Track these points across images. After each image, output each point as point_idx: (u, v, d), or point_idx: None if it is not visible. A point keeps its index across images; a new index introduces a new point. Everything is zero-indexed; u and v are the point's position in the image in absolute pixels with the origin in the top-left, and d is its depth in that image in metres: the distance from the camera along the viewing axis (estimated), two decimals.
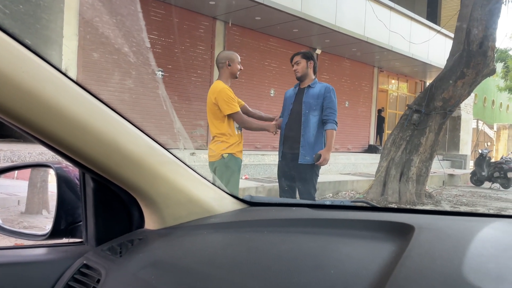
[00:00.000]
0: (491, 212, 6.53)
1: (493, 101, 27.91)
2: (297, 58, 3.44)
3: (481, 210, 6.76)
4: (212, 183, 0.92)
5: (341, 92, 11.58)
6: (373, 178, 7.24)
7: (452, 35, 8.79)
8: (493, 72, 6.75)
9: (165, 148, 0.82)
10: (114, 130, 0.72)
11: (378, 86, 13.62)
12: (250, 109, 3.45)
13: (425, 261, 0.49)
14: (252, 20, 8.96)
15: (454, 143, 14.63)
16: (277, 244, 0.68)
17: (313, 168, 3.34)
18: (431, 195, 7.39)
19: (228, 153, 3.14)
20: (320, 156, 3.25)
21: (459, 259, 0.48)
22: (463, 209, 6.79)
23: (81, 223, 0.91)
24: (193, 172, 0.88)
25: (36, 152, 5.24)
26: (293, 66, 3.46)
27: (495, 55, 6.57)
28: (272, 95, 10.15)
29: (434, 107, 6.82)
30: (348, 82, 12.39)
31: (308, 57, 3.44)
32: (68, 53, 6.63)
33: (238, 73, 3.31)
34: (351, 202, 1.03)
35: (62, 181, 0.92)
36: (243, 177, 6.72)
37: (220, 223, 0.83)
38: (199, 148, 8.09)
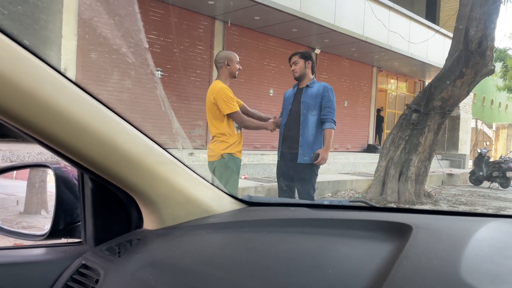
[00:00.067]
0: (490, 211, 6.54)
1: (492, 101, 27.95)
2: (295, 58, 3.45)
3: (480, 209, 6.77)
4: (211, 183, 0.92)
5: (340, 92, 11.58)
6: (372, 178, 7.25)
7: (451, 34, 8.80)
8: (492, 71, 6.76)
9: (163, 148, 0.82)
10: (113, 130, 0.72)
11: (377, 86, 13.63)
12: (249, 109, 3.45)
13: (422, 260, 0.50)
14: (251, 20, 8.96)
15: (453, 142, 14.64)
16: (275, 244, 0.68)
17: (312, 168, 3.34)
18: (430, 195, 7.40)
19: (228, 153, 3.14)
20: (318, 155, 3.25)
21: (456, 258, 0.48)
22: (462, 208, 6.80)
23: (79, 223, 0.91)
24: (192, 172, 0.88)
25: (35, 152, 5.24)
26: (291, 66, 3.47)
27: (494, 54, 6.58)
28: (271, 95, 10.15)
29: (433, 106, 6.83)
30: (347, 82, 12.40)
31: (306, 57, 3.44)
32: (67, 53, 6.63)
33: (237, 72, 3.31)
34: (350, 202, 1.03)
35: (61, 181, 0.92)
36: (242, 177, 6.72)
37: (218, 223, 0.83)
38: (199, 148, 8.09)
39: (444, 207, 6.84)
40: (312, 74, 3.48)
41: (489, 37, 6.06)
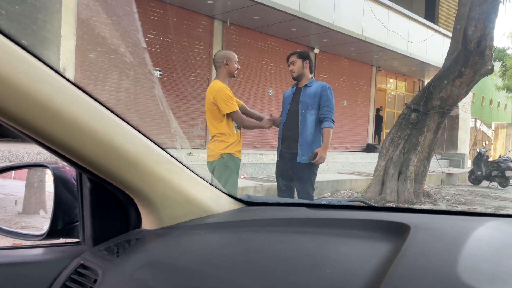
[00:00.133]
0: (489, 211, 6.55)
1: (491, 100, 27.98)
2: (292, 58, 3.45)
3: (479, 208, 6.78)
4: (210, 183, 0.92)
5: (339, 92, 11.59)
6: (372, 177, 7.25)
7: (450, 34, 8.81)
8: (491, 71, 6.77)
9: (162, 148, 0.82)
10: (111, 130, 0.72)
11: (376, 85, 13.64)
12: (248, 109, 3.45)
13: (420, 260, 0.50)
14: (250, 20, 8.96)
15: (452, 142, 14.66)
16: (274, 243, 0.68)
17: (311, 167, 3.34)
18: (429, 194, 7.41)
19: (227, 153, 3.14)
20: (316, 154, 3.25)
21: (454, 258, 0.48)
22: (461, 208, 6.80)
23: (78, 223, 0.91)
24: (190, 172, 0.87)
25: (34, 152, 5.23)
26: (289, 66, 3.47)
27: (493, 54, 6.58)
28: (270, 94, 10.15)
29: (432, 106, 6.83)
30: (347, 82, 12.40)
31: (303, 56, 3.44)
32: (66, 53, 6.62)
33: (236, 72, 3.31)
34: (348, 201, 1.03)
35: (59, 181, 0.92)
36: (242, 177, 6.71)
37: (217, 223, 0.83)
38: (198, 148, 8.09)
39: (443, 206, 6.85)
40: (311, 73, 3.48)
41: (488, 37, 6.06)
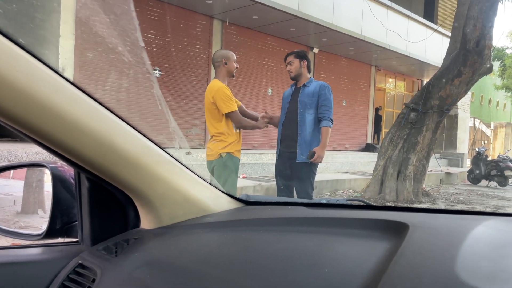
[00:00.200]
0: (488, 210, 6.56)
1: (490, 100, 28.01)
2: (290, 58, 3.45)
3: (478, 208, 6.78)
4: (208, 183, 0.92)
5: (338, 91, 11.60)
6: (371, 177, 7.25)
7: (449, 33, 8.81)
8: (490, 70, 6.78)
9: (161, 148, 0.82)
10: (110, 130, 0.72)
11: (375, 85, 13.65)
12: (246, 109, 3.45)
13: (418, 259, 0.50)
14: (249, 19, 8.96)
15: (451, 141, 14.67)
16: (272, 243, 0.68)
17: (310, 167, 3.34)
18: (428, 194, 7.41)
19: (226, 152, 3.14)
20: (314, 153, 3.25)
21: (452, 257, 0.48)
22: (460, 207, 6.81)
23: (76, 222, 0.91)
24: (189, 172, 0.87)
25: (33, 151, 5.23)
26: (286, 66, 3.47)
27: (492, 53, 6.58)
28: (269, 94, 10.15)
29: (431, 105, 6.84)
30: (346, 81, 12.41)
31: (301, 56, 3.44)
32: (65, 53, 6.61)
33: (235, 71, 3.31)
34: (347, 200, 1.03)
35: (58, 180, 0.92)
36: (241, 176, 6.71)
37: (216, 222, 0.83)
38: (197, 148, 8.09)
39: (442, 205, 6.86)
40: (309, 73, 3.48)
41: (487, 36, 6.06)
